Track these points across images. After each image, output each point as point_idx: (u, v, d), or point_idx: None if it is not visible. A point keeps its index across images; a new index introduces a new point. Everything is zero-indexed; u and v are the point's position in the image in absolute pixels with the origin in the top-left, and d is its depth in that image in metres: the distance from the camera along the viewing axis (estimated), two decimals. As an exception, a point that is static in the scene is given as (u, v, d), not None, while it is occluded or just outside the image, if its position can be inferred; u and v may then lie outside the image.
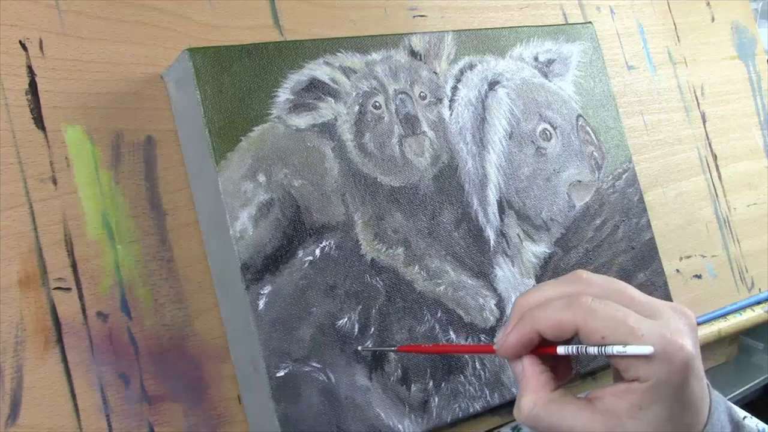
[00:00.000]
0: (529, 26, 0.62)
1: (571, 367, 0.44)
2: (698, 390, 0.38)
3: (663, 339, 0.37)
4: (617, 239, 0.61)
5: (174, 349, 0.48)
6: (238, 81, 0.48)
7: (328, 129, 0.51)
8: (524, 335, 0.40)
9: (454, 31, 0.58)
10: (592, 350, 0.37)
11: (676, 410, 0.37)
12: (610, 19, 0.73)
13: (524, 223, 0.57)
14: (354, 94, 0.52)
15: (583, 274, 0.42)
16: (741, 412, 0.42)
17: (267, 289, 0.47)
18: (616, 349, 0.36)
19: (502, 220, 0.56)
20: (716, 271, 0.72)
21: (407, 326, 0.51)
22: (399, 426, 0.49)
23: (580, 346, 0.38)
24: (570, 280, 0.42)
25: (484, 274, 0.54)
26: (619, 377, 0.39)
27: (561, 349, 0.39)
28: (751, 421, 0.41)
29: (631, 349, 0.36)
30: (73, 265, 0.46)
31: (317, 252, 0.49)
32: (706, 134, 0.77)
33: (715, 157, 0.77)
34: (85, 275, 0.46)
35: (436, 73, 0.56)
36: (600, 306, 0.38)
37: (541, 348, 0.41)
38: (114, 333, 0.46)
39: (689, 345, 0.37)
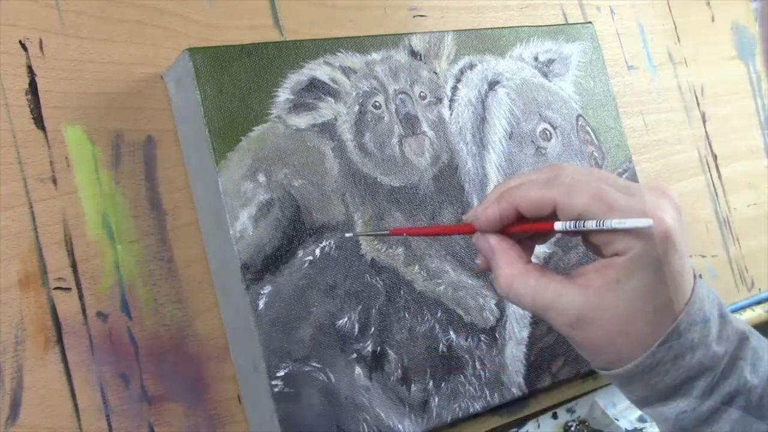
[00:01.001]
0: (529, 26, 0.62)
1: (531, 253, 0.43)
2: (678, 265, 0.37)
3: (640, 213, 0.36)
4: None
5: (174, 349, 0.48)
6: (238, 81, 0.48)
7: (328, 129, 0.51)
8: (504, 209, 0.40)
9: (454, 31, 0.58)
10: (591, 224, 0.37)
11: (654, 284, 0.37)
12: (610, 19, 0.73)
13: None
14: (354, 94, 0.52)
15: (562, 163, 0.42)
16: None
17: (267, 289, 0.46)
18: (615, 223, 0.36)
19: (502, 220, 0.56)
20: (716, 271, 0.72)
21: (407, 326, 0.51)
22: (399, 426, 0.49)
23: (578, 221, 0.38)
24: (548, 167, 0.41)
25: (484, 274, 0.54)
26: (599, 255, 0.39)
27: (558, 225, 0.38)
28: (742, 325, 0.40)
29: (630, 222, 0.36)
30: (73, 265, 0.46)
31: (317, 252, 0.49)
32: (706, 134, 0.77)
33: (715, 157, 0.77)
34: (85, 275, 0.46)
35: (436, 73, 0.56)
36: (579, 184, 0.38)
37: (528, 225, 0.40)
38: (114, 333, 0.46)
39: (667, 218, 0.37)
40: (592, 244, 0.39)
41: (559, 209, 0.38)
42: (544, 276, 0.39)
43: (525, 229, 0.41)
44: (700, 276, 0.39)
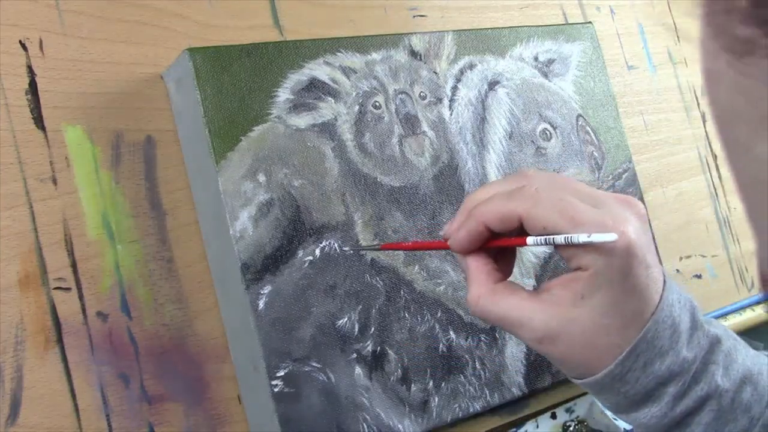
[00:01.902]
0: (529, 26, 0.62)
1: (512, 266, 0.43)
2: (643, 278, 0.37)
3: (603, 226, 0.36)
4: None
5: (174, 349, 0.48)
6: (238, 81, 0.48)
7: (328, 129, 0.51)
8: (472, 229, 0.40)
9: (454, 31, 0.58)
10: (559, 239, 0.37)
11: (619, 297, 0.37)
12: (610, 19, 0.73)
13: (524, 223, 0.57)
14: (354, 94, 0.52)
15: (529, 170, 0.42)
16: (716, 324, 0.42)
17: (267, 289, 0.46)
18: (582, 239, 0.36)
19: (502, 220, 0.56)
20: (716, 271, 0.72)
21: (407, 326, 0.51)
22: (399, 426, 0.49)
23: (547, 236, 0.38)
24: (516, 175, 0.42)
25: (484, 274, 0.54)
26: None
27: (530, 240, 0.39)
28: (715, 328, 0.40)
29: (596, 237, 0.36)
30: (73, 265, 0.46)
31: (317, 252, 0.49)
32: (706, 134, 0.77)
33: (715, 157, 0.77)
34: (85, 275, 0.46)
35: (436, 73, 0.56)
36: (543, 196, 0.38)
37: (504, 240, 0.40)
38: (114, 333, 0.46)
39: (630, 231, 0.37)
40: (561, 255, 0.40)
41: (524, 223, 0.39)
42: (511, 295, 0.40)
43: (499, 245, 0.41)
44: (666, 282, 0.39)
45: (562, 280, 0.38)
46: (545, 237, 0.38)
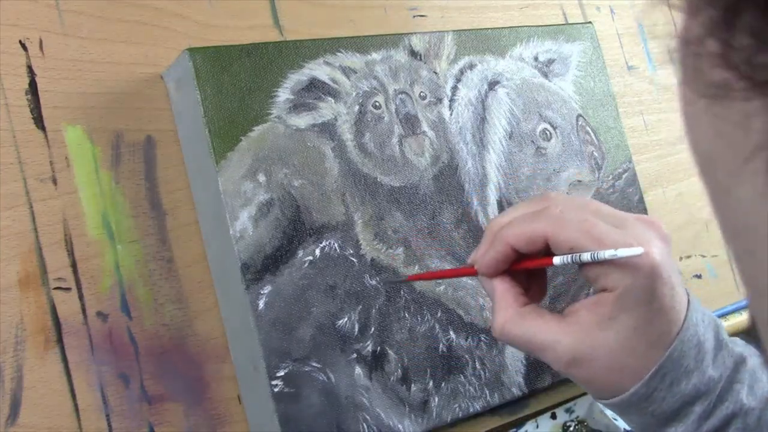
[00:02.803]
0: (529, 26, 0.62)
1: (546, 286, 0.44)
2: (668, 298, 0.38)
3: (628, 246, 0.37)
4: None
5: (174, 349, 0.48)
6: (238, 81, 0.48)
7: (328, 129, 0.51)
8: (499, 252, 0.40)
9: (454, 31, 0.58)
10: (586, 256, 0.37)
11: (645, 318, 0.37)
12: (610, 19, 0.73)
13: (524, 223, 0.57)
14: (354, 94, 0.52)
15: (551, 193, 0.42)
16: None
17: (267, 289, 0.46)
18: (608, 254, 0.36)
19: (502, 220, 0.56)
20: (716, 271, 0.72)
21: (407, 326, 0.51)
22: (399, 426, 0.49)
23: (573, 255, 0.38)
24: (538, 198, 0.42)
25: (484, 274, 0.54)
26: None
27: (557, 260, 0.39)
28: (739, 347, 0.41)
29: (622, 252, 0.36)
30: (73, 265, 0.46)
31: (317, 252, 0.49)
32: (706, 134, 0.77)
33: (715, 157, 0.76)
34: (85, 275, 0.46)
35: (436, 73, 0.56)
36: (568, 216, 0.38)
37: (530, 261, 0.41)
38: (114, 333, 0.46)
39: (655, 252, 0.37)
40: (586, 276, 0.40)
41: (550, 243, 0.39)
42: (538, 318, 0.40)
43: (527, 266, 0.41)
44: (691, 301, 0.40)
45: (588, 303, 0.39)
46: (572, 255, 0.38)
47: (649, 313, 0.37)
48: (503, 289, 0.41)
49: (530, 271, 0.43)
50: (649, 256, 0.37)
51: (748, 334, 0.77)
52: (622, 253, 0.36)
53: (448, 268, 0.53)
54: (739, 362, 0.40)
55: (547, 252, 0.40)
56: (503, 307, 0.41)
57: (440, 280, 0.52)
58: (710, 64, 0.18)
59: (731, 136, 0.19)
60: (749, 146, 0.18)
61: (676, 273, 0.39)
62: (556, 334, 0.39)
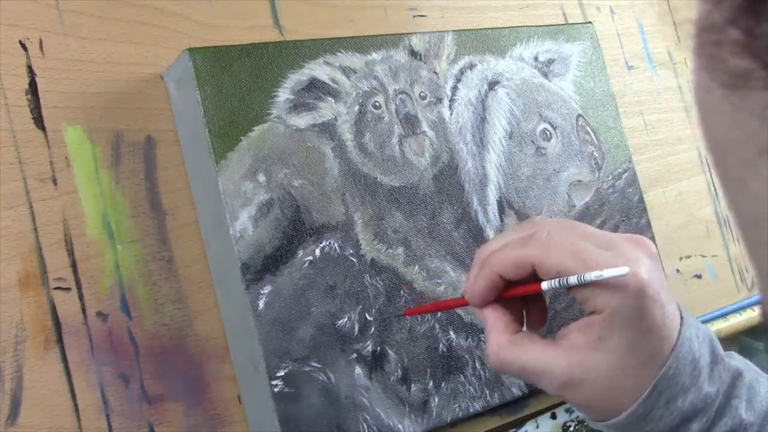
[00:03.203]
0: (529, 26, 0.62)
1: (546, 312, 0.44)
2: (659, 317, 0.37)
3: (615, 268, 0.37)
4: (617, 239, 0.61)
5: (174, 349, 0.48)
6: (238, 81, 0.48)
7: (328, 129, 0.51)
8: (488, 279, 0.40)
9: (454, 31, 0.58)
10: (573, 279, 0.37)
11: (637, 337, 0.37)
12: (610, 19, 0.73)
13: (524, 223, 0.57)
14: (354, 94, 0.52)
15: (537, 218, 0.43)
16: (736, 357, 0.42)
17: (267, 289, 0.46)
18: (594, 275, 0.36)
19: (502, 220, 0.56)
20: (716, 271, 0.72)
21: (407, 326, 0.51)
22: (399, 426, 0.49)
23: (561, 278, 0.38)
24: (526, 223, 0.42)
25: (484, 274, 0.54)
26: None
27: (545, 285, 0.39)
28: (736, 361, 0.41)
29: (608, 272, 0.36)
30: (73, 265, 0.46)
31: (317, 252, 0.49)
32: (706, 134, 0.77)
33: (715, 157, 0.77)
34: (85, 275, 0.46)
35: (436, 73, 0.56)
36: (554, 240, 0.38)
37: (518, 288, 0.41)
38: (114, 333, 0.46)
39: (642, 271, 0.37)
40: (576, 298, 0.40)
41: (537, 269, 0.39)
42: (529, 344, 0.40)
43: (516, 294, 0.41)
44: (684, 318, 0.40)
45: (579, 325, 0.39)
46: (559, 279, 0.38)
47: (640, 332, 0.37)
48: (494, 318, 0.41)
49: (527, 298, 0.43)
50: (636, 276, 0.37)
51: (749, 333, 0.77)
52: (608, 273, 0.36)
53: (449, 266, 0.53)
54: (736, 376, 0.40)
55: (536, 278, 0.40)
56: (494, 336, 0.41)
57: (440, 280, 0.52)
58: (731, 52, 0.18)
59: (748, 126, 0.18)
60: (766, 137, 0.18)
61: (665, 290, 0.38)
62: (548, 358, 0.39)
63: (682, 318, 0.39)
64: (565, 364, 0.38)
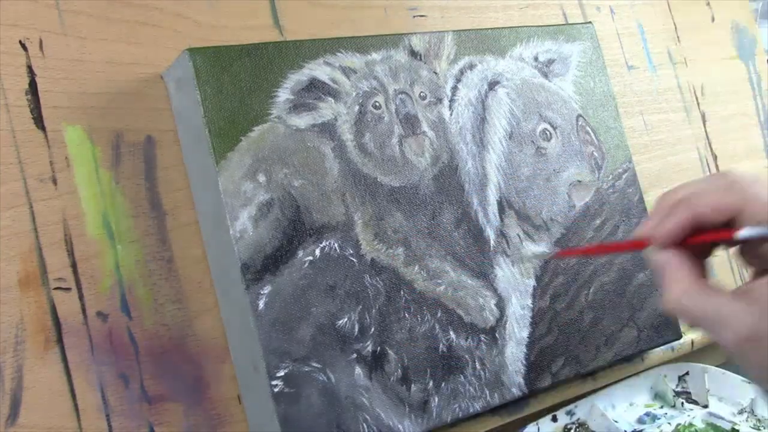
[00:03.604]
0: (529, 26, 0.62)
1: (705, 268, 0.42)
2: None
3: None
4: (617, 239, 0.61)
5: (174, 349, 0.48)
6: (238, 81, 0.48)
7: (328, 129, 0.51)
8: (682, 220, 0.39)
9: (454, 31, 0.58)
10: None
11: None
12: (610, 19, 0.73)
13: (524, 223, 0.57)
14: (354, 94, 0.52)
15: (736, 171, 0.41)
16: None
17: (267, 289, 0.46)
18: None
19: (502, 220, 0.56)
20: (716, 271, 0.72)
21: (407, 326, 0.51)
22: (399, 426, 0.49)
23: (761, 227, 0.37)
24: (721, 174, 0.40)
25: (484, 274, 0.54)
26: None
27: (744, 232, 0.37)
28: None
29: None
30: (73, 265, 0.46)
31: (317, 252, 0.49)
32: (706, 134, 0.77)
33: (715, 157, 0.77)
34: (85, 275, 0.46)
35: (436, 73, 0.56)
36: (762, 191, 0.37)
37: (710, 234, 0.39)
38: (114, 333, 0.46)
39: None
40: (755, 257, 0.39)
41: (743, 217, 0.38)
42: (715, 292, 0.39)
43: (707, 239, 0.40)
44: None
45: (767, 281, 0.37)
46: (759, 228, 0.36)
47: None
48: (678, 262, 0.40)
49: (698, 252, 0.42)
50: None
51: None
52: None
53: (449, 266, 0.53)
54: None
55: (726, 226, 0.38)
56: (679, 279, 0.39)
57: (440, 280, 0.52)
58: None
59: None
60: None
61: None
62: (735, 310, 0.37)
63: None
64: (750, 317, 0.36)
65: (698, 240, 0.40)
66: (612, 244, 0.47)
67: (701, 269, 0.41)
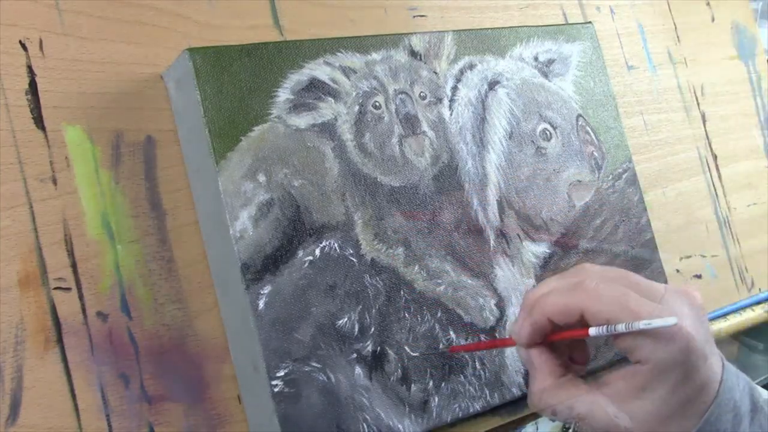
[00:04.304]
0: (529, 26, 0.62)
1: (587, 354, 0.45)
2: (703, 369, 0.39)
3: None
4: (617, 239, 0.61)
5: (174, 349, 0.48)
6: (238, 81, 0.48)
7: (328, 129, 0.51)
8: (536, 322, 0.42)
9: (454, 31, 0.58)
10: (621, 327, 0.39)
11: (680, 390, 0.38)
12: (610, 19, 0.73)
13: (524, 223, 0.57)
14: (354, 94, 0.52)
15: (586, 265, 0.44)
16: (765, 394, 0.43)
17: (267, 289, 0.47)
18: (643, 324, 0.38)
19: (502, 219, 0.56)
20: (716, 271, 0.72)
21: (407, 326, 0.51)
22: (399, 426, 0.49)
23: (609, 326, 0.39)
24: (574, 271, 0.44)
25: (484, 274, 0.54)
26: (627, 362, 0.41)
27: (593, 331, 0.40)
28: None
29: (656, 322, 0.37)
30: (73, 265, 0.46)
31: (317, 252, 0.49)
32: (706, 134, 0.77)
33: (715, 157, 0.77)
34: (85, 275, 0.46)
35: (436, 73, 0.56)
36: (603, 289, 0.40)
37: (567, 333, 0.42)
38: (114, 333, 0.46)
39: (688, 325, 0.38)
40: (621, 348, 0.41)
41: (587, 316, 0.40)
42: (574, 388, 0.41)
43: (563, 337, 0.43)
44: (725, 366, 0.41)
45: (624, 374, 0.40)
46: (607, 326, 0.39)
47: (683, 384, 0.38)
48: (540, 361, 0.43)
49: (570, 342, 0.45)
50: (682, 330, 0.38)
51: (749, 333, 0.77)
52: (657, 323, 0.37)
53: (449, 266, 0.53)
54: None
55: (583, 324, 0.41)
56: (540, 378, 0.42)
57: (440, 280, 0.52)
58: None
59: None
60: None
61: (710, 343, 0.40)
62: (592, 405, 0.40)
63: (723, 367, 0.40)
64: (609, 410, 0.39)
65: (557, 338, 0.43)
66: (488, 342, 0.51)
67: (581, 357, 0.45)
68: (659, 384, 0.38)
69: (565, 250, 0.58)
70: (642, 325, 0.37)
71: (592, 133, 0.62)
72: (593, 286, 0.40)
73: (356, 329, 0.49)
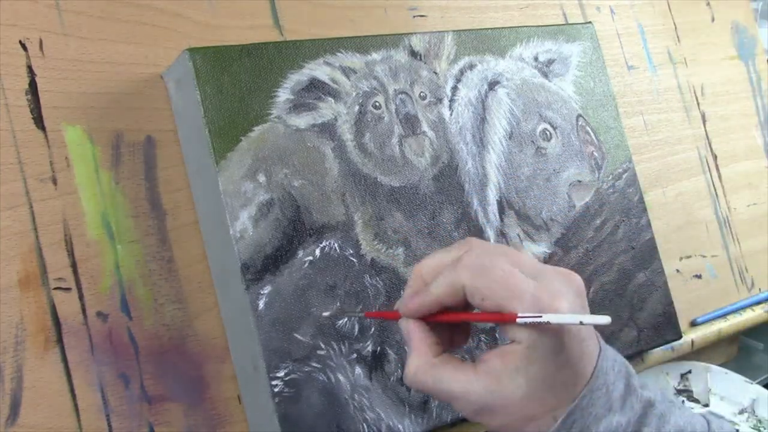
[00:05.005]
0: (529, 26, 0.62)
1: (469, 331, 0.44)
2: (577, 351, 0.38)
3: (537, 300, 0.37)
4: (617, 239, 0.61)
5: (174, 349, 0.48)
6: (238, 81, 0.48)
7: (328, 129, 0.51)
8: (425, 302, 0.41)
9: (454, 31, 0.58)
10: (553, 319, 0.37)
11: (553, 371, 0.38)
12: (610, 19, 0.73)
13: (524, 223, 0.57)
14: (354, 94, 0.52)
15: (473, 239, 0.42)
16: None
17: (267, 289, 0.47)
18: (570, 317, 0.37)
19: (502, 220, 0.56)
20: (716, 271, 0.72)
21: (407, 326, 0.51)
22: (399, 426, 0.49)
23: (537, 318, 0.38)
24: (460, 244, 0.42)
25: (484, 274, 0.54)
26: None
27: (520, 320, 0.38)
28: (649, 392, 0.41)
29: (587, 319, 0.37)
30: (73, 265, 0.46)
31: (317, 252, 0.49)
32: (706, 134, 0.77)
33: (715, 157, 0.77)
34: (85, 275, 0.46)
35: (436, 73, 0.56)
36: (484, 265, 0.39)
37: (450, 315, 0.41)
38: (114, 333, 0.46)
39: (564, 307, 0.37)
40: (499, 327, 0.41)
41: (466, 292, 0.39)
42: (449, 367, 0.40)
43: (446, 320, 0.41)
44: (602, 350, 0.40)
45: (499, 352, 0.39)
46: (534, 316, 0.38)
47: (556, 365, 0.38)
48: (418, 338, 0.41)
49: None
50: (557, 312, 0.37)
51: (749, 333, 0.77)
52: (588, 320, 0.37)
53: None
54: (648, 407, 0.41)
55: (466, 303, 0.40)
56: (416, 356, 0.41)
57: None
58: None
59: None
60: None
61: (588, 326, 0.39)
62: (466, 384, 0.39)
63: (600, 350, 0.40)
64: (481, 390, 0.39)
65: (436, 319, 0.41)
66: (377, 312, 0.50)
67: (462, 334, 0.43)
68: (533, 365, 0.38)
69: (565, 251, 0.58)
70: (571, 318, 0.37)
71: (592, 133, 0.62)
72: (473, 261, 0.39)
73: (356, 329, 0.49)
